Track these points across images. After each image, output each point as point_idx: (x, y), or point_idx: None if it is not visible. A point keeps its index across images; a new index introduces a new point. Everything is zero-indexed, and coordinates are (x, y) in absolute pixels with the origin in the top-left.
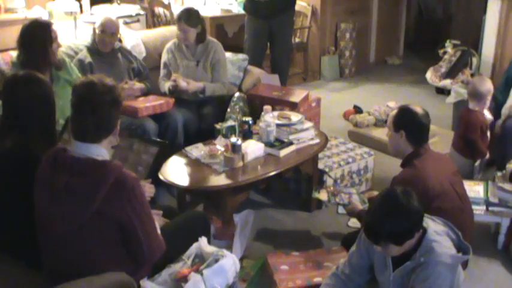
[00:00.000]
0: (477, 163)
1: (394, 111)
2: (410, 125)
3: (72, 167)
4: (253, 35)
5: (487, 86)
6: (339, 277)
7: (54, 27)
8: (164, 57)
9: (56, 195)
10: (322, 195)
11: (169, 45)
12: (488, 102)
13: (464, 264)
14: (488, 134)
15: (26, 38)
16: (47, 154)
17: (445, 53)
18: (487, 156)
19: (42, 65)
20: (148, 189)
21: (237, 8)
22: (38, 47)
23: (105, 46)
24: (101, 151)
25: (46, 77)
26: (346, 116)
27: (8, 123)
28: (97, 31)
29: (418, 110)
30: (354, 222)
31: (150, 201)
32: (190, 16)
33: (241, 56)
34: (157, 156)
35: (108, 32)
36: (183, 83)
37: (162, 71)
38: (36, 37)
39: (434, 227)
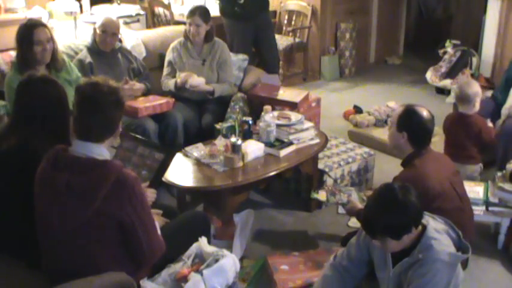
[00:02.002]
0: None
1: (401, 110)
2: (414, 129)
3: (72, 166)
4: (242, 38)
5: (475, 89)
6: (336, 268)
7: (48, 28)
8: (169, 55)
9: (57, 194)
10: (321, 196)
11: (174, 43)
12: (477, 105)
13: (464, 264)
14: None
15: (16, 38)
16: (48, 153)
17: (445, 53)
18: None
19: (32, 65)
20: (150, 194)
21: None
22: (23, 47)
23: (106, 46)
24: (102, 151)
25: None
26: (346, 116)
27: (15, 123)
28: (98, 31)
29: (425, 114)
30: (354, 222)
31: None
32: (204, 11)
33: (241, 56)
34: (163, 163)
35: (109, 31)
36: (196, 78)
37: (166, 69)
38: (17, 37)
39: (435, 225)
